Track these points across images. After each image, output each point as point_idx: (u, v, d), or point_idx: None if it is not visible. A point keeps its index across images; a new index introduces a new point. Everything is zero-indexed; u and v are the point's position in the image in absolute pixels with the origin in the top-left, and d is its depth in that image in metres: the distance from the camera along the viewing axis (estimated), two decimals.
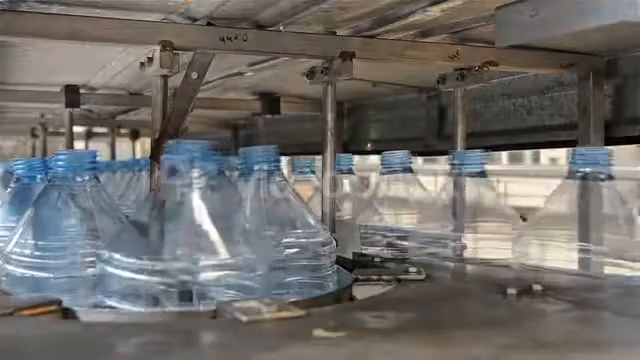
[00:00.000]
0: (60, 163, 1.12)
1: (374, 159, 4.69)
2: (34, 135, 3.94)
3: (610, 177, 1.19)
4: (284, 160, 3.01)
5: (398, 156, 1.64)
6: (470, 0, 1.30)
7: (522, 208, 3.67)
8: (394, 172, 1.64)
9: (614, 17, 1.16)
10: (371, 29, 1.49)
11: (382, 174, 1.68)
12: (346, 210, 1.76)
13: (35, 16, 1.24)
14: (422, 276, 1.13)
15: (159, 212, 1.01)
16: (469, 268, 1.32)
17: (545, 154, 12.17)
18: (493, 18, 1.38)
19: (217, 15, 1.39)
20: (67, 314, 0.90)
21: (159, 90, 1.28)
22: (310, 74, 1.46)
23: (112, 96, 2.61)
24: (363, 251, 1.39)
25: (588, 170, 1.19)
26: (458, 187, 1.46)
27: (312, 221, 1.16)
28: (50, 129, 3.61)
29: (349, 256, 1.30)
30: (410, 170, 1.64)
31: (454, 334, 0.83)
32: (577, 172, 1.20)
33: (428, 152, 2.36)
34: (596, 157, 1.20)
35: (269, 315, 0.83)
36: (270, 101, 2.60)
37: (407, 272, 1.14)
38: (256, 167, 1.16)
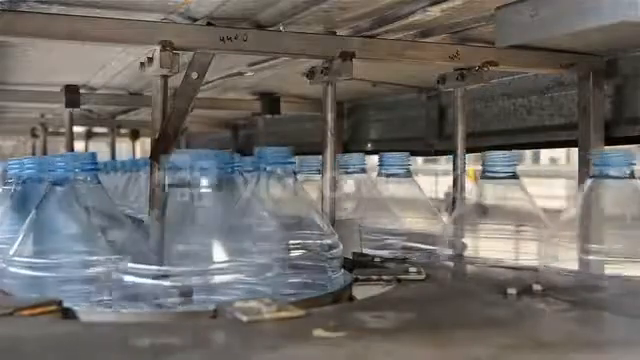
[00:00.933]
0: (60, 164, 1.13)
1: (375, 159, 4.72)
2: (34, 135, 3.94)
3: (515, 176, 1.38)
4: None
5: (353, 158, 1.73)
6: (470, 0, 1.30)
7: None
8: (348, 173, 1.74)
9: (614, 17, 1.16)
10: (371, 29, 1.49)
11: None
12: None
13: (35, 16, 1.24)
14: (422, 276, 1.13)
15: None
16: (469, 268, 1.32)
17: (545, 154, 12.16)
18: (493, 18, 1.38)
19: (217, 15, 1.39)
20: (67, 314, 0.90)
21: (159, 90, 1.28)
22: (310, 74, 1.46)
23: (112, 96, 2.61)
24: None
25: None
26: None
27: (320, 223, 1.15)
28: (50, 129, 3.61)
29: (349, 256, 1.30)
30: (364, 171, 1.74)
31: (454, 334, 0.83)
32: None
33: (428, 152, 2.36)
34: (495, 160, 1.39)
35: (269, 315, 0.83)
36: (270, 101, 2.60)
37: (407, 272, 1.14)
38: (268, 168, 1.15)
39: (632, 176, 1.23)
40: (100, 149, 4.63)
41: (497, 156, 1.36)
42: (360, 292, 1.09)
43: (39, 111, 3.25)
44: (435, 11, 1.36)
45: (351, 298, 1.08)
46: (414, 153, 2.47)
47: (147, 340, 0.78)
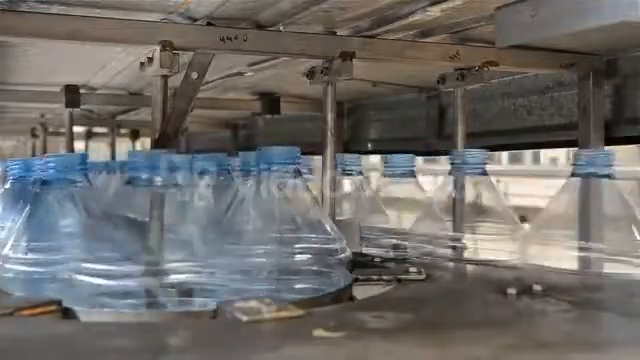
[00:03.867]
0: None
1: (375, 159, 4.74)
2: (34, 135, 3.94)
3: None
4: None
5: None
6: (470, 0, 1.30)
7: (523, 208, 3.69)
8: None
9: (614, 17, 1.16)
10: (371, 29, 1.49)
11: None
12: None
13: (35, 16, 1.24)
14: (422, 276, 1.13)
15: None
16: (469, 268, 1.32)
17: (545, 154, 12.16)
18: (493, 18, 1.38)
19: (217, 15, 1.39)
20: (67, 314, 0.90)
21: (159, 90, 1.28)
22: (310, 74, 1.46)
23: (112, 96, 2.61)
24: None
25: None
26: None
27: (327, 227, 1.13)
28: (50, 129, 3.61)
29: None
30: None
31: (454, 334, 0.83)
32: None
33: (428, 152, 2.36)
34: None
35: (269, 315, 0.83)
36: (270, 101, 2.60)
37: (407, 272, 1.14)
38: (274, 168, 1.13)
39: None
40: (100, 149, 4.63)
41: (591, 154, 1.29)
42: (360, 292, 1.09)
43: (39, 111, 3.25)
44: (435, 11, 1.36)
45: (351, 298, 1.08)
46: (414, 153, 2.47)
47: (147, 340, 0.78)
